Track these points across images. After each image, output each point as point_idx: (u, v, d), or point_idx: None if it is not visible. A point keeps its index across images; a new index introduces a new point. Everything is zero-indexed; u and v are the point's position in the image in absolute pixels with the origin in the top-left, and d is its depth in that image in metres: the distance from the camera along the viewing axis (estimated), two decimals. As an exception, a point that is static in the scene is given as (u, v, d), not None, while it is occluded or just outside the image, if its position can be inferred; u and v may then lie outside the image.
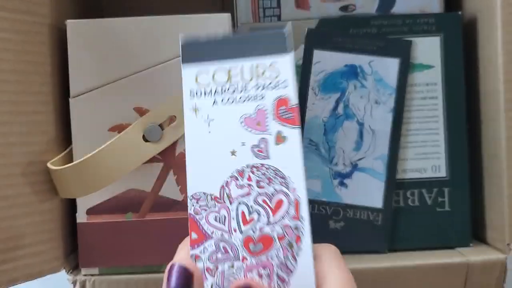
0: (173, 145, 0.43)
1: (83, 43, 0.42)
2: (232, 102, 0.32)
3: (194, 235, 0.31)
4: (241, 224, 0.31)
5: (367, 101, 0.47)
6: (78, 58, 0.42)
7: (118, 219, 0.43)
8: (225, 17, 0.43)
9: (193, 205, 0.31)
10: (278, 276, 0.30)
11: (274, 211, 0.31)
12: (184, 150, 0.43)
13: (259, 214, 0.31)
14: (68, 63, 0.43)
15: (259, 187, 0.31)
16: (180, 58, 0.32)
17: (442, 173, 0.47)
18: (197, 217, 0.31)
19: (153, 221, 0.43)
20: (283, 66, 0.33)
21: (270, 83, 0.32)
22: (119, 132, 0.42)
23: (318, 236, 0.46)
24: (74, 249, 0.46)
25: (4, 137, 0.39)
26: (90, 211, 0.43)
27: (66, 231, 0.45)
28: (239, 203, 0.31)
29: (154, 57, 0.42)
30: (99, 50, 0.42)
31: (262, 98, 0.32)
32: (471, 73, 0.48)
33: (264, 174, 0.31)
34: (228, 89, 0.32)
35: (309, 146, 0.47)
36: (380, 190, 0.46)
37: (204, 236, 0.31)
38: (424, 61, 0.47)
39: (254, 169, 0.31)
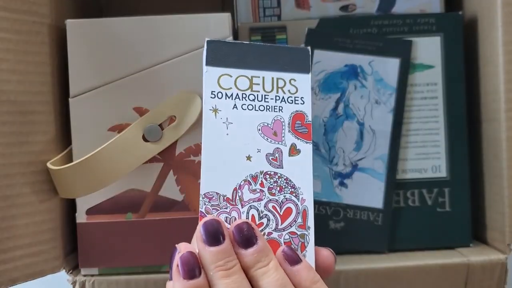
0: (173, 145, 0.43)
1: (83, 43, 0.42)
2: (252, 109, 0.33)
3: None
4: None
5: (367, 101, 0.47)
6: (78, 58, 0.42)
7: (118, 219, 0.43)
8: (225, 17, 0.43)
9: (204, 204, 0.32)
10: None
11: (283, 218, 0.32)
12: (184, 150, 0.43)
13: (268, 219, 0.32)
14: (68, 63, 0.43)
15: (270, 194, 0.33)
16: (204, 59, 0.34)
17: (443, 173, 0.47)
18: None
19: (153, 221, 0.43)
20: (302, 84, 0.34)
21: (289, 97, 0.34)
22: (119, 132, 0.42)
23: (318, 236, 0.46)
24: (73, 249, 0.46)
25: (4, 137, 0.39)
26: (90, 211, 0.43)
27: (66, 231, 0.45)
28: (251, 207, 0.32)
29: (154, 57, 0.42)
30: (99, 50, 0.42)
31: (280, 110, 0.34)
32: (471, 73, 0.48)
33: (276, 182, 0.33)
34: (249, 96, 0.34)
35: (309, 146, 0.47)
36: (380, 190, 0.46)
37: None
38: (425, 61, 0.47)
39: (267, 176, 0.33)
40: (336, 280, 0.42)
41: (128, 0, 0.59)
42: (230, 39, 0.43)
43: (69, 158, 0.43)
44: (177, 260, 0.30)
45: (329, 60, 0.47)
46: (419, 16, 0.47)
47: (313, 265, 0.32)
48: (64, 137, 0.44)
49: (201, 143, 0.33)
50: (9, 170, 0.40)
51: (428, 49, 0.47)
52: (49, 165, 0.42)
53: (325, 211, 0.46)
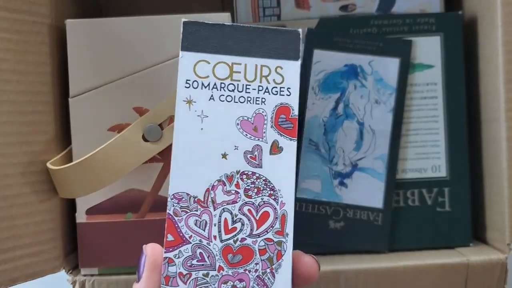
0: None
1: (83, 43, 0.42)
2: (231, 100, 0.30)
3: (170, 237, 0.29)
4: (223, 232, 0.30)
5: (367, 101, 0.47)
6: (78, 58, 0.42)
7: (117, 219, 0.43)
8: (225, 16, 0.43)
9: (173, 205, 0.29)
10: None
11: (259, 223, 0.30)
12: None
13: (242, 224, 0.30)
14: (68, 63, 0.43)
15: (246, 196, 0.30)
16: (180, 43, 0.30)
17: (442, 173, 0.47)
18: (176, 218, 0.29)
19: (152, 221, 0.43)
20: (290, 72, 0.31)
21: (273, 88, 0.31)
22: (118, 132, 0.42)
23: (318, 236, 0.46)
24: (73, 249, 0.46)
25: (4, 137, 0.39)
26: (89, 211, 0.43)
27: (66, 231, 0.45)
28: (224, 209, 0.30)
29: (154, 57, 0.42)
30: (98, 49, 0.42)
31: (263, 102, 0.30)
32: (471, 73, 0.48)
33: (253, 183, 0.30)
34: (228, 86, 0.30)
35: (309, 146, 0.47)
36: (380, 190, 0.46)
37: (181, 240, 0.29)
38: (424, 61, 0.47)
39: (244, 176, 0.30)
40: (336, 280, 0.43)
41: (128, 0, 0.59)
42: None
43: (69, 158, 0.43)
44: (144, 263, 0.29)
45: (329, 60, 0.47)
46: (419, 16, 0.47)
47: (290, 275, 0.30)
48: (64, 137, 0.44)
49: None
50: (9, 170, 0.40)
51: (428, 49, 0.47)
52: (49, 165, 0.42)
53: (325, 211, 0.46)
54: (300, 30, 0.31)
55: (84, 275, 0.44)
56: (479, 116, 0.47)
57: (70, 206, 0.45)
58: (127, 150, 0.41)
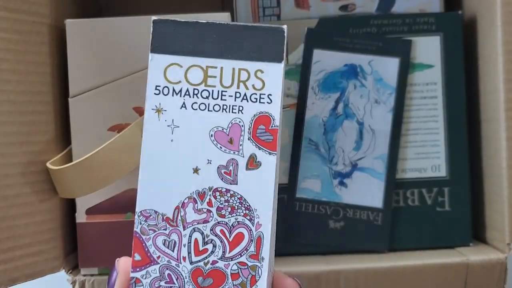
0: (173, 144, 0.43)
1: (83, 43, 0.42)
2: (204, 109, 0.28)
3: (137, 257, 0.27)
4: (193, 253, 0.27)
5: (367, 101, 0.47)
6: (78, 58, 0.42)
7: (117, 219, 0.43)
8: (225, 16, 0.43)
9: (140, 223, 0.27)
10: None
11: (232, 245, 0.27)
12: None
13: (214, 245, 0.27)
14: (68, 63, 0.43)
15: (219, 215, 0.27)
16: (149, 45, 0.28)
17: (442, 172, 0.47)
18: (144, 237, 0.27)
19: (152, 221, 0.43)
20: (272, 76, 0.28)
21: (252, 95, 0.28)
22: (118, 132, 0.42)
23: (318, 236, 0.46)
24: (73, 249, 0.46)
25: (4, 136, 0.39)
26: (89, 211, 0.43)
27: (66, 231, 0.45)
28: (194, 229, 0.27)
29: (153, 57, 0.42)
30: (98, 49, 0.42)
31: (241, 111, 0.27)
32: (471, 73, 0.48)
33: (227, 201, 0.27)
34: (202, 92, 0.28)
35: (309, 145, 0.47)
36: (380, 190, 0.46)
37: (148, 260, 0.27)
38: (424, 61, 0.47)
39: (217, 194, 0.27)
40: (336, 279, 0.43)
41: (128, 0, 0.59)
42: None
43: (68, 158, 0.43)
44: (115, 280, 0.28)
45: (329, 60, 0.47)
46: (419, 16, 0.47)
47: None
48: (64, 137, 0.44)
49: None
50: (9, 170, 0.40)
51: (428, 48, 0.47)
52: (48, 165, 0.42)
53: (325, 211, 0.46)
54: (285, 27, 0.28)
55: (84, 275, 0.44)
56: (479, 115, 0.47)
57: (70, 206, 0.45)
58: (127, 150, 0.41)
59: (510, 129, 0.43)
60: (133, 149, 0.41)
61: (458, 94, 0.47)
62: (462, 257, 0.43)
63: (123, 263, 0.28)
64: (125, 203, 0.43)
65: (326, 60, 0.47)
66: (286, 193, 0.46)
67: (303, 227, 0.46)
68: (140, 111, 0.42)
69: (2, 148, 0.39)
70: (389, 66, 0.47)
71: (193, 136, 0.27)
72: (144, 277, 0.27)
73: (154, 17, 0.28)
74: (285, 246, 0.46)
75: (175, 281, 0.27)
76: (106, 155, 0.40)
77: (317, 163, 0.47)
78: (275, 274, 0.29)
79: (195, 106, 0.28)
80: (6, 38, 0.39)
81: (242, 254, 0.27)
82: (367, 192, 0.46)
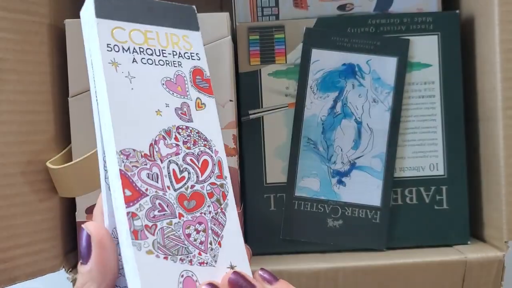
0: (172, 144, 0.43)
1: (82, 42, 0.42)
2: (152, 63, 0.32)
3: (128, 192, 0.29)
4: (174, 182, 0.31)
5: (365, 100, 0.47)
6: (77, 58, 0.43)
7: (117, 217, 0.43)
8: (224, 16, 0.43)
9: (123, 161, 0.30)
10: (212, 230, 0.31)
11: (202, 170, 0.32)
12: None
13: (189, 172, 0.32)
14: (67, 63, 0.43)
15: (186, 147, 0.32)
16: (93, 11, 0.31)
17: (440, 171, 0.47)
18: (129, 173, 0.30)
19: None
20: (195, 41, 0.34)
21: (185, 53, 0.34)
22: (118, 131, 0.42)
23: (317, 234, 0.46)
24: (73, 248, 0.46)
25: (4, 136, 0.39)
26: (89, 210, 0.43)
27: (66, 230, 0.45)
28: (170, 161, 0.31)
29: (152, 57, 0.43)
30: (98, 49, 0.42)
31: (180, 65, 0.33)
32: (469, 72, 0.48)
33: (189, 135, 0.32)
34: (146, 50, 0.32)
35: (308, 144, 0.47)
36: (378, 189, 0.47)
37: (138, 193, 0.30)
38: (422, 60, 0.47)
39: (180, 130, 0.32)
40: (334, 277, 0.43)
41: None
42: (228, 38, 0.43)
43: (68, 157, 0.43)
44: (88, 242, 0.29)
45: (327, 59, 0.47)
46: (416, 15, 0.47)
47: (235, 212, 0.33)
48: (64, 136, 0.45)
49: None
50: (8, 170, 0.40)
51: (426, 47, 0.47)
52: (48, 164, 0.42)
53: (324, 209, 0.47)
54: (194, 6, 0.35)
55: (84, 274, 0.44)
56: (477, 114, 0.48)
57: (70, 205, 0.45)
58: (127, 149, 0.41)
59: (507, 127, 0.43)
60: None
61: (455, 93, 0.47)
62: (460, 255, 0.44)
63: (92, 226, 0.30)
64: (124, 202, 0.43)
65: (325, 60, 0.47)
66: (285, 191, 0.47)
67: (302, 225, 0.46)
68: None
69: (2, 147, 0.39)
70: (387, 66, 0.47)
71: (149, 85, 0.32)
72: (139, 210, 0.29)
73: None
74: (284, 245, 0.46)
75: (166, 208, 0.30)
76: (105, 154, 0.40)
77: (315, 162, 0.47)
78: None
79: (144, 61, 0.32)
80: (5, 38, 0.39)
81: (211, 176, 0.33)
82: (365, 190, 0.47)
